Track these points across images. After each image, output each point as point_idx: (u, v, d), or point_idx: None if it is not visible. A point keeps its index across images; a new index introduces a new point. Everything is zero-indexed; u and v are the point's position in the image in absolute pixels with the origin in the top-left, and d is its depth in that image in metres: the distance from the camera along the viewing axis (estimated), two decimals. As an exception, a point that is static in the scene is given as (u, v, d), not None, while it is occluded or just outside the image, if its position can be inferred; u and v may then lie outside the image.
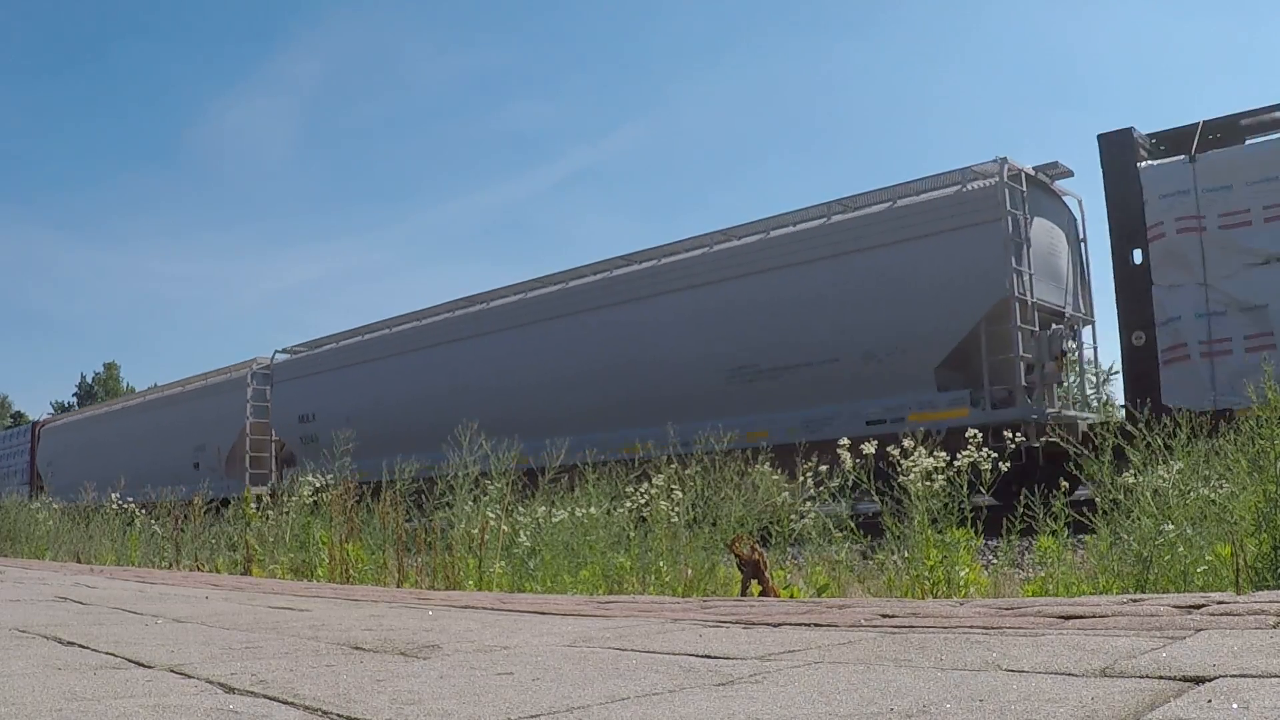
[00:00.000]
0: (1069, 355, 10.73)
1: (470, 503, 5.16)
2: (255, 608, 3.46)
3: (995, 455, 4.23)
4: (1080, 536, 4.33)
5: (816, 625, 2.37)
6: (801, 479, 5.05)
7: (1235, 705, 1.23)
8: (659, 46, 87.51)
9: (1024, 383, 10.30)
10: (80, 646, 2.36)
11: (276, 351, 19.59)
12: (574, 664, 1.91)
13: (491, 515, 4.97)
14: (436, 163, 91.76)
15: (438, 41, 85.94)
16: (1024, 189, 10.55)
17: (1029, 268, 10.35)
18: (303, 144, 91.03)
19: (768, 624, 2.44)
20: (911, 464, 4.22)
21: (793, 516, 4.82)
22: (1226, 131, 10.61)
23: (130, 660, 2.11)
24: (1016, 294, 10.09)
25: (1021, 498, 4.20)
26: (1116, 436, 4.09)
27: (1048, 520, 4.14)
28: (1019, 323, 10.04)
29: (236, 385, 19.42)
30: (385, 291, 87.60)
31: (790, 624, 2.41)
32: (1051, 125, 74.23)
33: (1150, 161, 10.33)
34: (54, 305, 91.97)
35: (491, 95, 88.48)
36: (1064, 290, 10.89)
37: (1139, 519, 3.67)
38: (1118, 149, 10.44)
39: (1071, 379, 11.11)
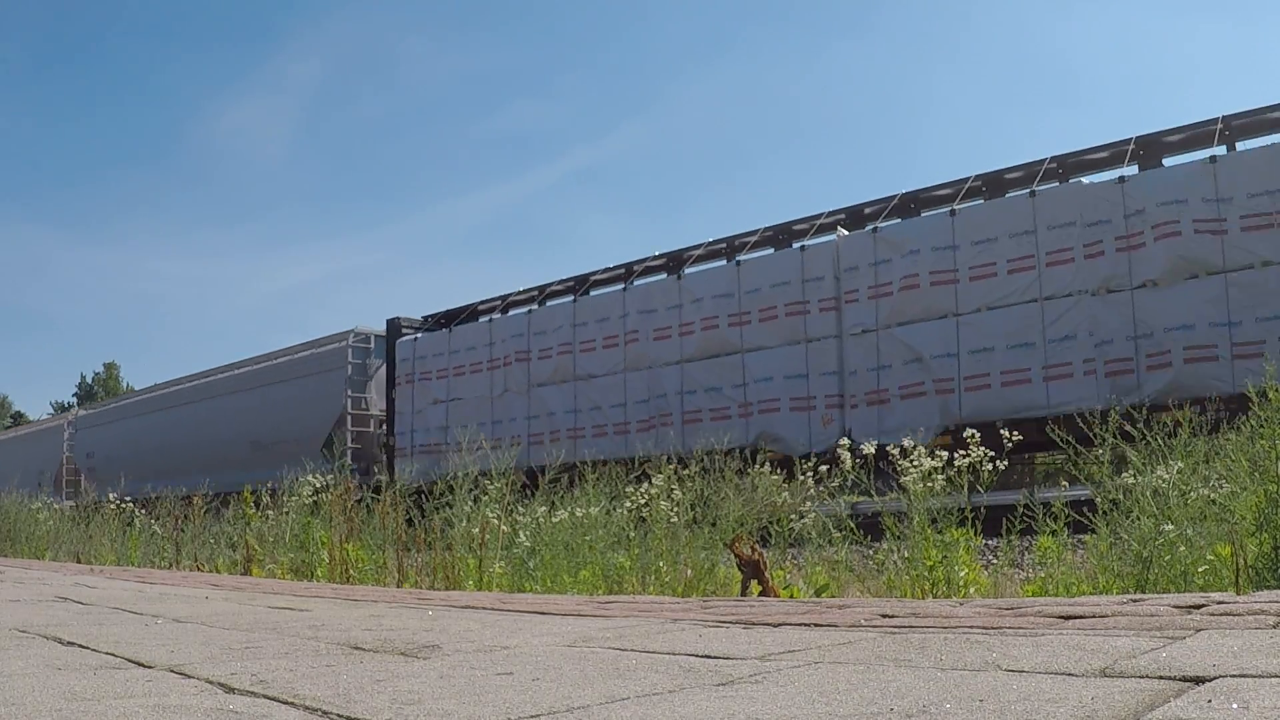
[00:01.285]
0: (392, 444, 17.98)
1: (470, 503, 5.17)
2: (255, 608, 3.46)
3: None
4: (1080, 536, 4.33)
5: (816, 625, 2.37)
6: (800, 479, 5.07)
7: (1235, 705, 1.23)
8: (656, 47, 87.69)
9: (383, 459, 17.86)
10: (80, 647, 2.36)
11: (80, 409, 32.03)
12: (574, 664, 1.91)
13: (491, 515, 4.98)
14: (435, 162, 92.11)
15: (436, 41, 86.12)
16: (371, 345, 18.85)
17: (373, 393, 18.70)
18: (301, 143, 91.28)
19: (768, 624, 2.44)
20: (911, 465, 4.23)
21: (793, 516, 4.83)
22: (491, 308, 17.70)
23: (130, 660, 2.11)
24: (350, 410, 18.36)
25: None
26: (1115, 437, 4.10)
27: (1048, 520, 4.14)
28: (350, 426, 18.25)
29: (59, 430, 28.65)
30: (384, 292, 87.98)
31: (790, 624, 2.41)
32: (1047, 126, 74.35)
33: (405, 338, 18.11)
34: (54, 305, 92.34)
35: (490, 95, 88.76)
36: None
37: (1139, 519, 3.67)
38: (390, 329, 18.57)
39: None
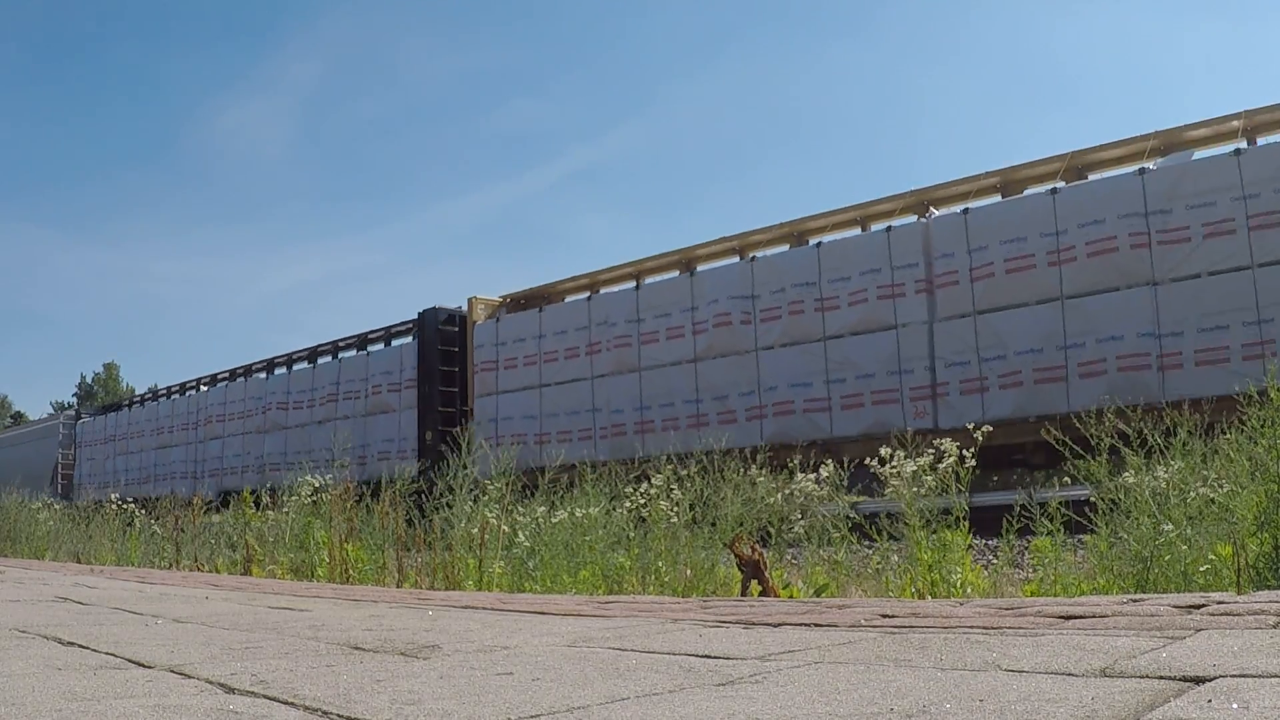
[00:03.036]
0: (77, 481, 27.45)
1: (470, 503, 5.17)
2: (255, 608, 3.46)
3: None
4: (1080, 536, 4.33)
5: (816, 625, 2.37)
6: (802, 476, 5.07)
7: (1235, 705, 1.23)
8: (655, 46, 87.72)
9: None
10: (80, 647, 2.36)
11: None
12: (574, 664, 1.91)
13: (491, 515, 4.98)
14: (434, 162, 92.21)
15: (434, 41, 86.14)
16: (75, 421, 29.31)
17: (76, 450, 28.57)
18: (300, 143, 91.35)
19: (768, 624, 2.44)
20: (896, 467, 4.22)
21: (791, 517, 4.83)
22: (135, 401, 28.52)
23: (130, 660, 2.11)
24: (61, 461, 28.50)
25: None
26: (1112, 437, 4.10)
27: (1045, 520, 4.13)
28: (61, 469, 28.34)
29: None
30: (384, 292, 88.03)
31: (790, 624, 2.41)
32: (1043, 126, 74.36)
33: (83, 420, 28.90)
34: (54, 305, 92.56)
35: (488, 95, 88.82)
36: None
37: (1138, 519, 3.67)
38: (77, 415, 30.64)
39: None
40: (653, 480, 5.15)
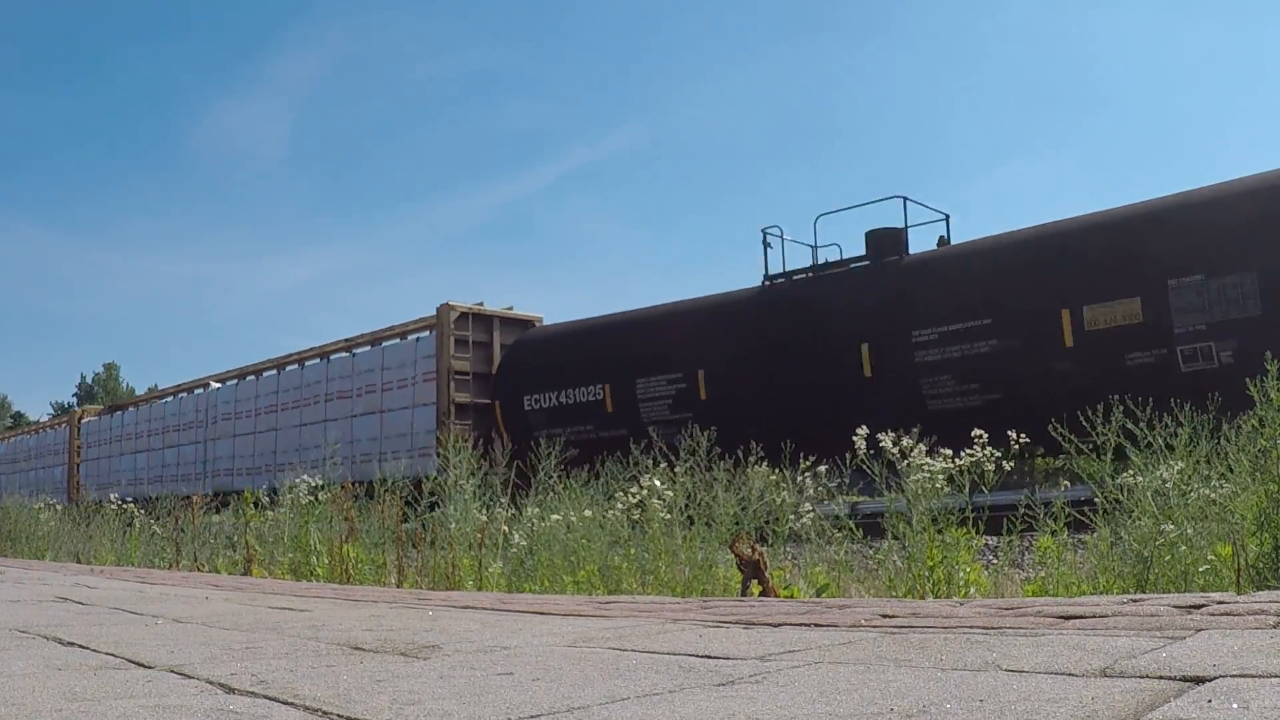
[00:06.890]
0: None
1: (464, 504, 5.17)
2: (255, 608, 3.46)
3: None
4: (1080, 536, 4.32)
5: (816, 625, 2.37)
6: (801, 475, 5.05)
7: (1235, 705, 1.23)
8: (657, 48, 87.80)
9: None
10: (80, 647, 2.36)
11: None
12: (574, 664, 1.91)
13: (484, 516, 4.97)
14: (434, 163, 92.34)
15: (434, 42, 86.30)
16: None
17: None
18: (300, 145, 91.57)
19: (768, 624, 2.44)
20: (912, 462, 4.20)
21: (790, 516, 4.81)
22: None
23: (130, 660, 2.11)
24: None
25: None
26: (1118, 436, 4.09)
27: (1048, 520, 4.13)
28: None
29: None
30: (384, 292, 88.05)
31: (790, 624, 2.41)
32: (1054, 130, 74.34)
33: None
34: (54, 305, 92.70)
35: (488, 95, 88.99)
36: None
37: (1139, 519, 3.67)
38: None
39: None
40: (642, 481, 5.09)
